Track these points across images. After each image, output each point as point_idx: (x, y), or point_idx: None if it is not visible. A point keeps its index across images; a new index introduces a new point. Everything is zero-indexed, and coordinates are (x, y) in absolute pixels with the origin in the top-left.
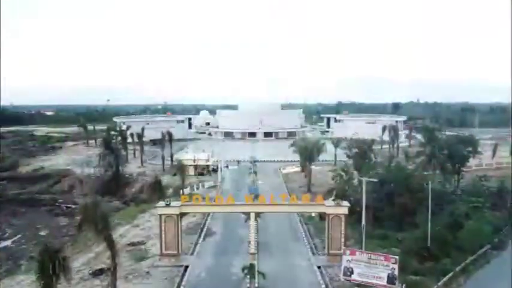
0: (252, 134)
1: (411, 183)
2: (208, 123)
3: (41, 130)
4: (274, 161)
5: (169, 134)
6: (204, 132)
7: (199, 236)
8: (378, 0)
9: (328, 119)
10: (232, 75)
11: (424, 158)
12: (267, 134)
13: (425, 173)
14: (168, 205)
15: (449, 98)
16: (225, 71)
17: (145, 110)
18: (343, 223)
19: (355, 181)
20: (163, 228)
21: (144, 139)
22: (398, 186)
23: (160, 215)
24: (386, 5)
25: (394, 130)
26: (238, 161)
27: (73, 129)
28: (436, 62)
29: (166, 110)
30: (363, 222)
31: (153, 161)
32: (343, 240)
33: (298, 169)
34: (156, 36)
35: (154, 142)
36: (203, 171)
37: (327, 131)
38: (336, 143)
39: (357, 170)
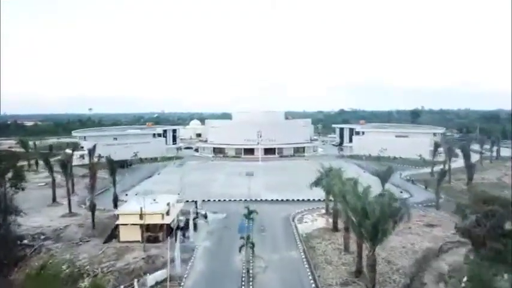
0: (249, 151)
1: None
2: (199, 135)
3: (5, 143)
4: (282, 200)
5: (111, 163)
6: (191, 148)
7: None
8: (376, 6)
9: (341, 130)
10: (231, 81)
11: None
12: (268, 151)
13: None
14: None
15: (451, 104)
16: (223, 77)
17: (139, 119)
18: None
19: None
20: None
21: (104, 159)
22: None
23: None
24: (384, 11)
25: (449, 148)
26: (196, 201)
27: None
28: (434, 67)
29: (163, 118)
30: None
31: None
32: None
33: (324, 221)
34: (153, 41)
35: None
36: (157, 234)
37: (342, 145)
38: (385, 174)
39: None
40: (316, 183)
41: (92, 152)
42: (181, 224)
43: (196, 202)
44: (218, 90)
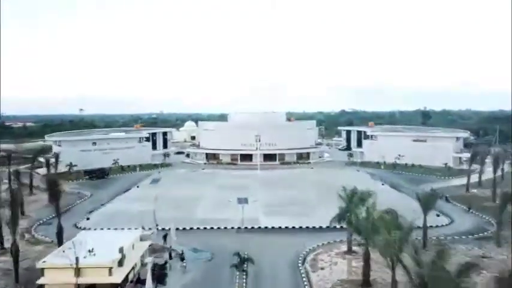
0: (247, 157)
1: None
2: (193, 138)
3: None
4: (286, 228)
5: (52, 184)
6: (183, 152)
7: None
8: (375, 6)
9: (348, 133)
10: (230, 81)
11: None
12: (268, 157)
13: None
14: None
15: (452, 105)
16: (223, 77)
17: (136, 120)
18: None
19: None
20: None
21: (77, 168)
22: None
23: None
24: (384, 11)
25: (482, 157)
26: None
27: (10, 146)
28: (434, 68)
29: (161, 119)
30: None
31: (46, 230)
32: None
33: (346, 265)
34: (151, 41)
35: (91, 176)
36: None
37: (350, 149)
38: (429, 199)
39: None
40: (340, 216)
41: (50, 161)
42: (144, 275)
43: (165, 237)
44: (218, 91)
